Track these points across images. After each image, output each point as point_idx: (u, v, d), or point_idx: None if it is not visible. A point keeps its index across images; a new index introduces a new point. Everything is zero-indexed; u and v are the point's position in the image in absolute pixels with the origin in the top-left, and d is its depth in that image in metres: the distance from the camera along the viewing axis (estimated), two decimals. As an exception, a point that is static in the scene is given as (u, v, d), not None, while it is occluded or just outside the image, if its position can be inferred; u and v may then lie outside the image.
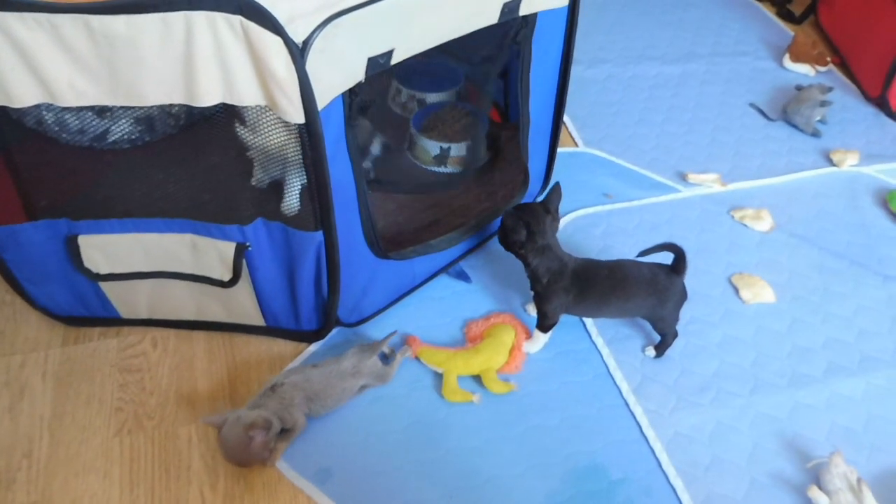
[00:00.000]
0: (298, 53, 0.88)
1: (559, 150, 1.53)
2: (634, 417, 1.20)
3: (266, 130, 0.99)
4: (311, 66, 0.90)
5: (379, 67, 1.01)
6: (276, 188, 1.11)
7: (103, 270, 1.15)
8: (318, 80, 0.91)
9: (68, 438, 1.14)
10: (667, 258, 1.22)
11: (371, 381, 1.19)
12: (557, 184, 1.26)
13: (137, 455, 1.12)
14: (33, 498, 1.07)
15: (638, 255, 1.23)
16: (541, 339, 1.28)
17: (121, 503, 1.07)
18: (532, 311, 1.34)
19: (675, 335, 1.27)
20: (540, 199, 1.29)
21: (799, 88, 1.94)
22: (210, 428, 1.15)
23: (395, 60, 1.03)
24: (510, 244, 1.24)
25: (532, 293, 1.26)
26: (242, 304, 1.21)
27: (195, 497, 1.08)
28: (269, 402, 1.11)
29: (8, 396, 1.19)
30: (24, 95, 0.92)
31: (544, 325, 1.26)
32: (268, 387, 1.14)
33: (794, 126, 1.85)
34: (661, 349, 1.28)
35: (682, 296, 1.23)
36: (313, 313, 1.22)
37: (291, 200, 1.09)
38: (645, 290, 1.21)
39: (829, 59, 2.08)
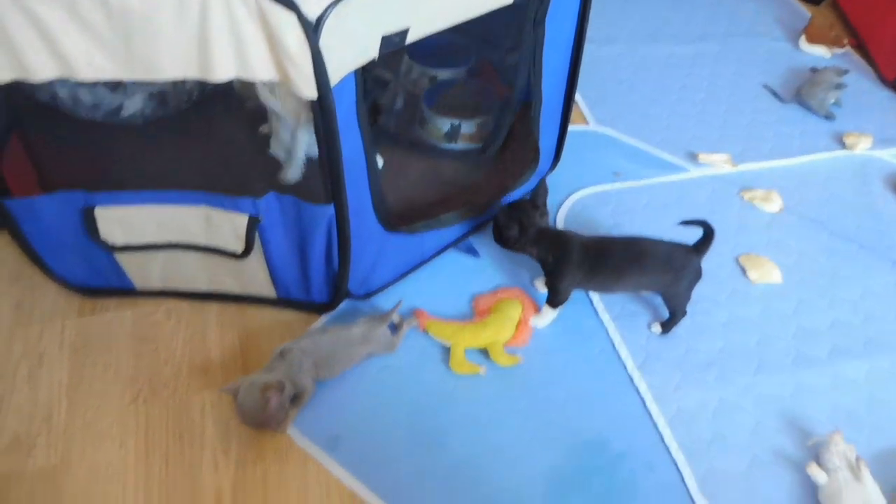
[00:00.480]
0: (312, 30, 0.89)
1: (570, 127, 1.53)
2: (638, 393, 1.22)
3: None
4: (324, 43, 0.90)
5: (393, 46, 1.01)
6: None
7: (119, 242, 1.17)
8: (330, 57, 0.92)
9: (85, 406, 1.17)
10: (686, 237, 1.23)
11: (378, 349, 1.22)
12: (543, 180, 1.28)
13: (152, 422, 1.15)
14: (53, 461, 1.10)
15: (678, 225, 1.25)
16: (549, 314, 1.29)
17: (136, 469, 1.10)
18: (541, 286, 1.35)
19: (684, 314, 1.29)
20: (548, 181, 1.30)
21: (814, 70, 1.92)
22: (223, 396, 1.18)
23: (410, 39, 1.03)
24: (505, 240, 1.27)
25: (544, 273, 1.28)
26: (255, 276, 1.23)
27: (209, 463, 1.11)
28: (280, 366, 1.14)
29: (27, 366, 1.22)
30: (42, 70, 0.94)
31: (555, 300, 1.27)
32: (277, 352, 1.16)
33: (808, 108, 1.84)
34: (668, 326, 1.29)
35: (697, 275, 1.25)
36: (324, 285, 1.24)
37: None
38: (661, 267, 1.23)
39: (845, 41, 2.06)
